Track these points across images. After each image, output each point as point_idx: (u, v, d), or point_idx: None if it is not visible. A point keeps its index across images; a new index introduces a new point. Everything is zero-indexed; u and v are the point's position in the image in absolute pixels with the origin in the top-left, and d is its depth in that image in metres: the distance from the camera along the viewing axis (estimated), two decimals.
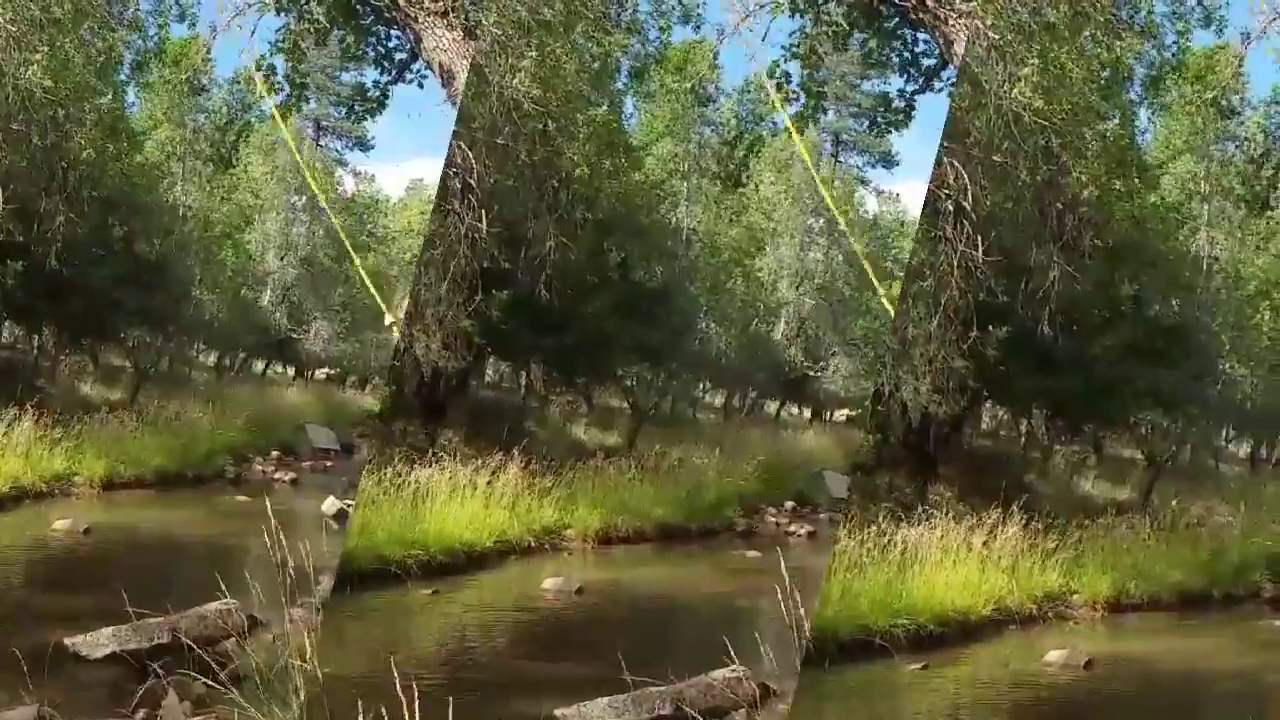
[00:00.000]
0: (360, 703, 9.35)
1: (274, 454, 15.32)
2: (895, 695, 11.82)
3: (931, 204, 12.22)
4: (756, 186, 14.60)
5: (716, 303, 14.45)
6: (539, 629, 12.94)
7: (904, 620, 12.13)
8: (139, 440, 15.25)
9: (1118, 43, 12.49)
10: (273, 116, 15.31)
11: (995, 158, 12.10)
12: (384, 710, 8.95)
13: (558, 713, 11.06)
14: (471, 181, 13.31)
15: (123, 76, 15.31)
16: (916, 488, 12.54)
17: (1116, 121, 12.62)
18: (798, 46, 13.54)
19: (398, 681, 8.93)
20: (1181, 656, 12.15)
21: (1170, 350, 12.71)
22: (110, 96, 15.14)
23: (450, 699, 9.03)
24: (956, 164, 12.10)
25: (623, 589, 13.21)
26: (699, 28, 14.20)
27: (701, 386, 14.65)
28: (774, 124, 14.45)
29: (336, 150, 15.56)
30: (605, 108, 14.03)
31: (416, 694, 8.76)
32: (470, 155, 13.31)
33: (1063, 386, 12.81)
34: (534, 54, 13.36)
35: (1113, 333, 12.64)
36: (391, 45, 14.69)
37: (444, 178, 13.40)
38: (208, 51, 15.31)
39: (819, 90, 13.55)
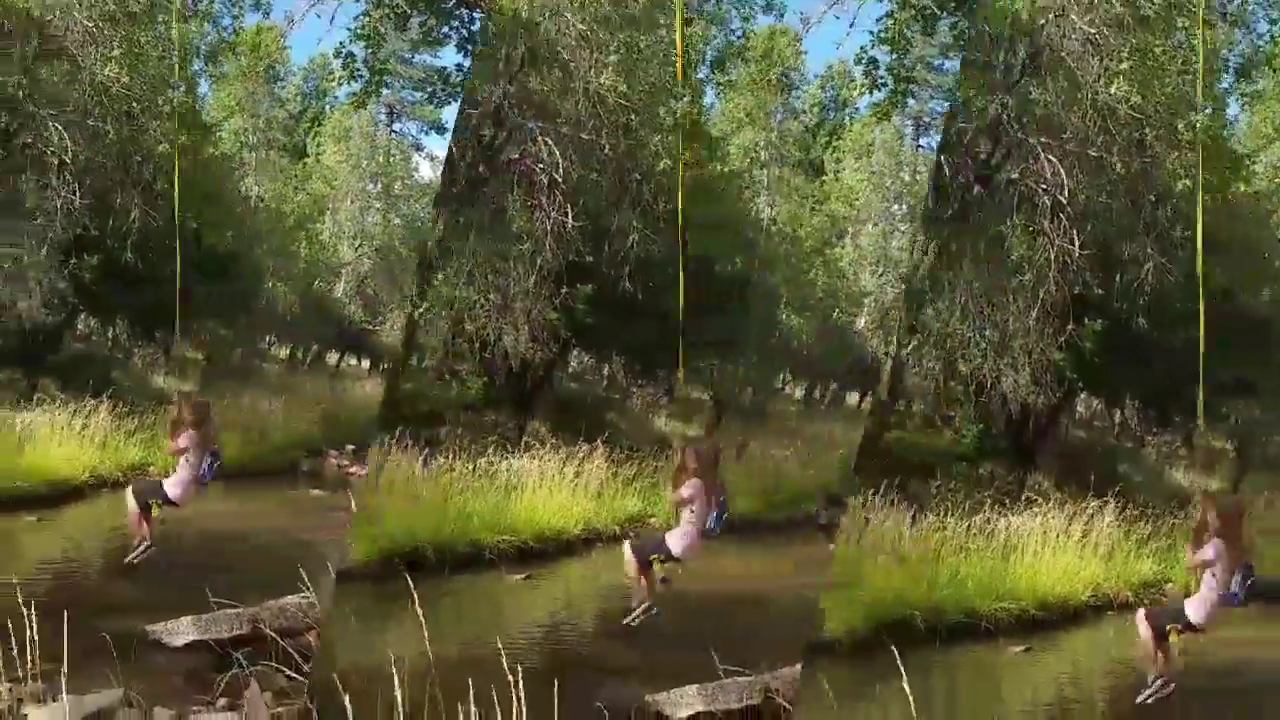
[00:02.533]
0: (466, 684, 9.43)
1: (349, 447, 15.31)
2: (1000, 676, 12.13)
3: (1029, 199, 12.21)
4: (837, 174, 14.59)
5: (797, 293, 14.44)
6: (627, 616, 12.99)
7: (1007, 604, 12.32)
8: None
9: (1209, 32, 12.45)
10: (349, 104, 15.27)
11: (1090, 152, 12.08)
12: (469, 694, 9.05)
13: (649, 699, 11.15)
14: (557, 177, 13.29)
15: (196, 68, 15.24)
16: (1017, 477, 12.58)
17: (1210, 111, 12.58)
18: (885, 31, 13.49)
19: (504, 661, 9.03)
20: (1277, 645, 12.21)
21: (1252, 340, 12.74)
22: (184, 89, 15.07)
23: (555, 681, 9.12)
24: (1053, 159, 12.09)
25: (707, 579, 13.26)
26: (782, 15, 14.16)
27: (782, 378, 14.64)
28: (857, 110, 14.44)
29: (413, 135, 15.54)
30: (687, 99, 13.98)
31: (521, 675, 8.85)
32: (556, 151, 13.29)
33: (1154, 377, 12.81)
34: (620, 49, 13.30)
35: (1204, 325, 12.65)
36: (475, 29, 14.64)
37: (529, 173, 13.39)
38: (283, 39, 15.27)
39: (907, 75, 13.52)
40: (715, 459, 13.14)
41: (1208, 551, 11.78)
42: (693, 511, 12.82)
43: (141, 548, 13.80)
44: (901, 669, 10.80)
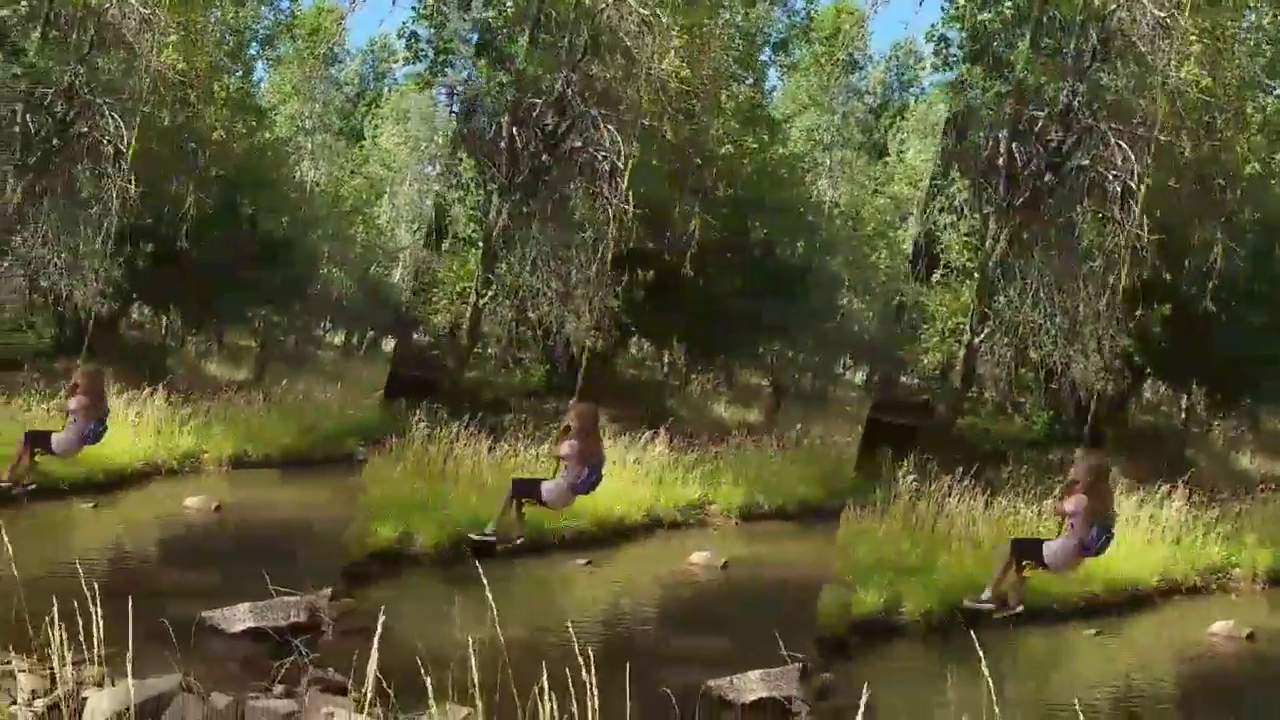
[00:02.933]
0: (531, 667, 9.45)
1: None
2: (1071, 658, 12.16)
3: (1099, 185, 12.19)
4: (901, 156, 14.56)
5: (859, 276, 14.42)
6: (689, 601, 13.03)
7: (1078, 587, 12.31)
8: (266, 420, 15.27)
9: (1275, 14, 12.43)
10: (412, 85, 15.22)
11: (1160, 136, 12.04)
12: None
13: (711, 683, 11.17)
14: (619, 164, 13.27)
15: (252, 52, 15.21)
16: None
17: (1278, 94, 12.55)
18: (955, 8, 13.41)
19: (575, 645, 9.05)
20: None
21: None
22: (240, 74, 15.04)
23: (620, 665, 9.14)
24: (1124, 145, 12.06)
25: (767, 565, 13.27)
26: None
27: (842, 363, 14.63)
28: (922, 90, 14.40)
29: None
30: (750, 83, 13.95)
31: (592, 660, 8.87)
32: (618, 138, 13.27)
33: (1220, 362, 12.81)
34: (683, 35, 13.27)
35: (1267, 308, 12.65)
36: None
37: (592, 161, 13.37)
38: (343, 22, 15.22)
39: (976, 53, 13.45)
40: (595, 420, 13.20)
41: (1069, 504, 11.94)
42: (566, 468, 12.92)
43: (27, 489, 13.87)
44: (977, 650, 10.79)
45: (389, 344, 15.95)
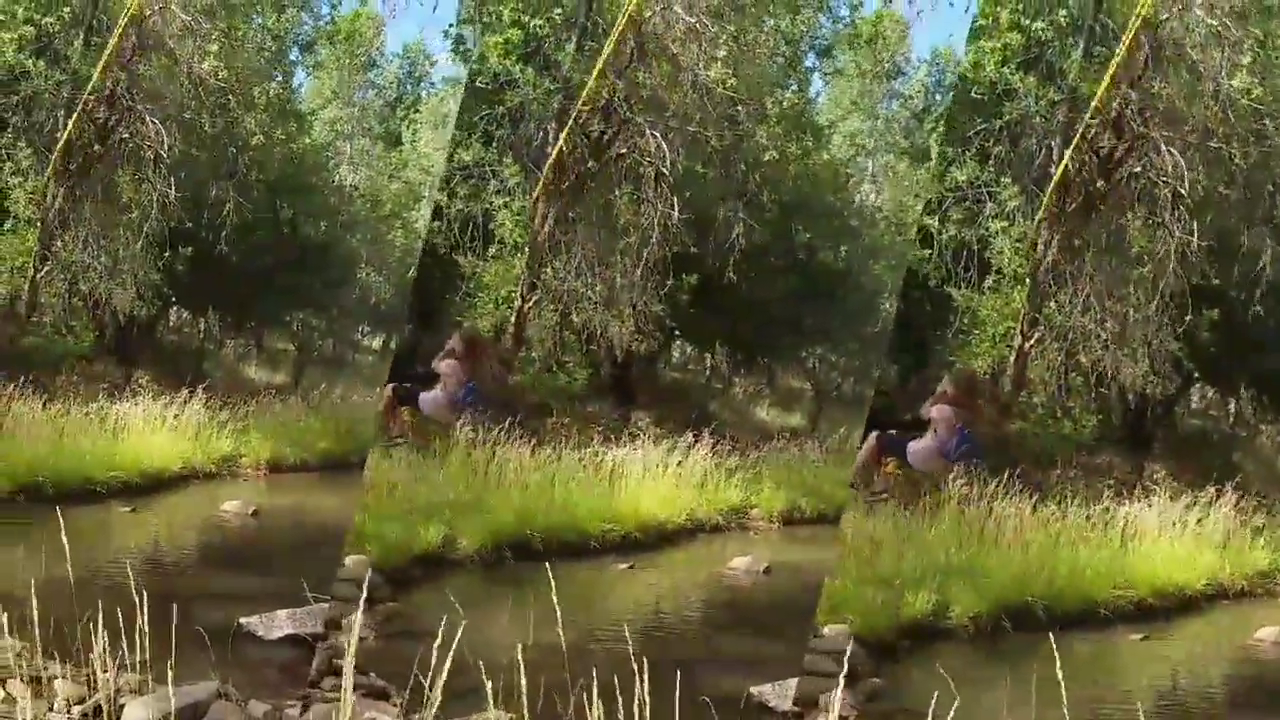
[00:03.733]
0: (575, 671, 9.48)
1: None
2: (1118, 663, 12.13)
3: (1149, 192, 12.24)
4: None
5: (901, 281, 14.44)
6: (731, 607, 13.07)
7: (1125, 592, 12.38)
8: (304, 423, 15.28)
9: None
10: (448, 88, 15.24)
11: (1211, 143, 12.10)
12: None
13: (753, 690, 11.19)
14: (664, 170, 13.31)
15: (292, 57, 15.25)
16: (1134, 466, 12.64)
17: None
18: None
19: (630, 648, 9.07)
20: None
21: None
22: (280, 79, 15.07)
23: (666, 670, 9.17)
24: (1174, 152, 12.11)
25: (809, 570, 13.28)
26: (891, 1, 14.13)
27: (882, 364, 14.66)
28: None
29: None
30: (794, 89, 13.99)
31: (637, 666, 8.90)
32: (664, 144, 13.31)
33: (1269, 366, 12.87)
34: (730, 41, 13.31)
35: None
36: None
37: (637, 167, 13.41)
38: (383, 27, 15.26)
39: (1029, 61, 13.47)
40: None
41: (932, 410, 12.24)
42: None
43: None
44: (1025, 654, 10.85)
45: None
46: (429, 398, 13.77)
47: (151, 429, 14.57)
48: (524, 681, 9.24)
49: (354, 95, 15.24)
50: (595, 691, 8.80)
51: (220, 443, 14.87)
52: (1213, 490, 12.69)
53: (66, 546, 10.20)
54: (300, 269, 15.12)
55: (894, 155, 14.32)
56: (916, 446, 12.36)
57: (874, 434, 12.29)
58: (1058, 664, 8.50)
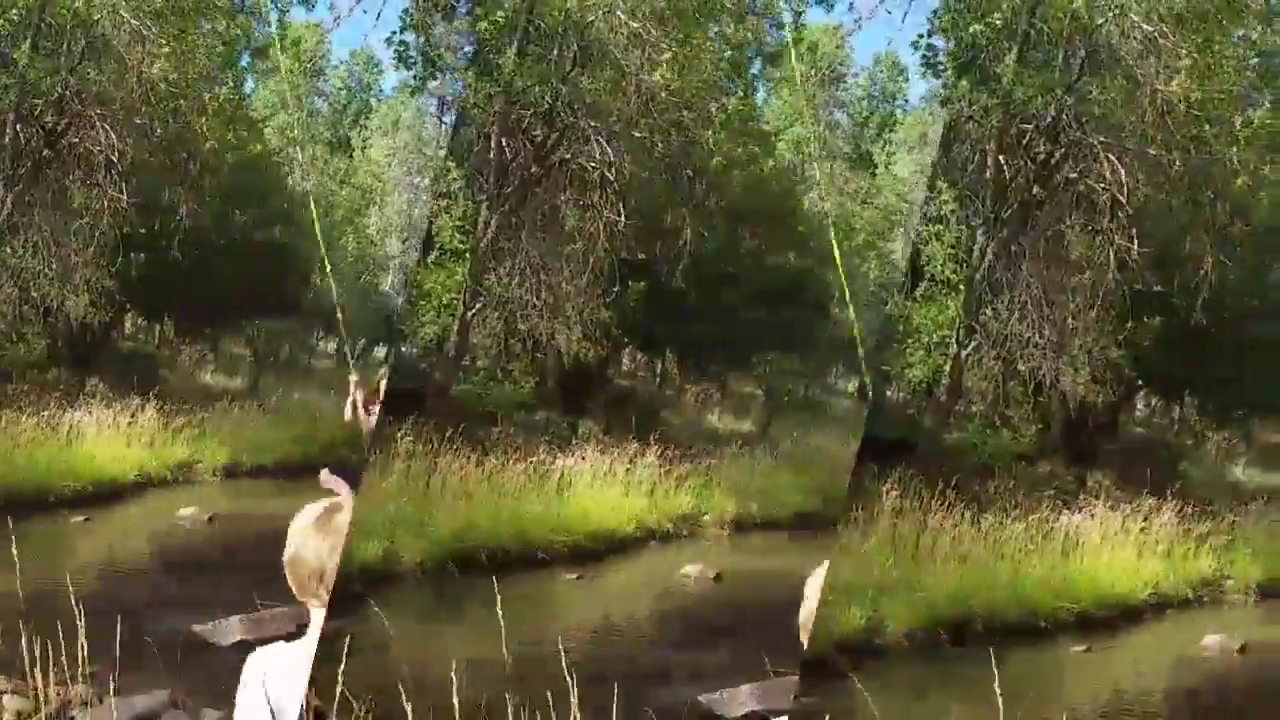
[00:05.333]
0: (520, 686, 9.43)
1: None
2: (1060, 675, 12.09)
3: (1087, 198, 12.17)
4: (889, 167, 14.54)
5: (850, 287, 14.38)
6: (680, 615, 13.02)
7: (1067, 603, 12.30)
8: (261, 429, 15.25)
9: (1267, 27, 12.39)
10: (405, 91, 15.22)
11: (1150, 150, 12.02)
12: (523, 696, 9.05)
13: (702, 698, 11.14)
14: (609, 176, 13.25)
15: (243, 64, 15.21)
16: (1076, 476, 12.56)
17: (1268, 107, 12.51)
18: (940, 19, 13.39)
19: (563, 662, 9.03)
20: None
21: None
22: (231, 85, 15.04)
23: (608, 683, 9.12)
24: (1112, 158, 12.03)
25: (760, 577, 13.25)
26: (832, 7, 14.07)
27: (834, 372, 14.60)
28: (906, 102, 14.38)
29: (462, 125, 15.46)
30: (740, 95, 13.93)
31: (574, 680, 8.85)
32: (608, 150, 13.25)
33: (1213, 373, 12.78)
34: (675, 47, 13.25)
35: (1264, 320, 12.62)
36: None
37: (582, 172, 13.35)
38: (327, 34, 15.22)
39: (963, 65, 13.43)
40: None
41: None
42: None
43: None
44: (964, 670, 10.79)
45: (380, 352, 15.94)
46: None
47: (106, 437, 14.53)
48: (456, 701, 9.21)
49: (304, 101, 15.15)
50: (527, 706, 8.74)
51: (176, 449, 14.82)
52: (1155, 499, 12.57)
53: (16, 558, 10.16)
54: (255, 274, 15.07)
55: (839, 162, 14.22)
56: None
57: None
58: (996, 680, 8.42)
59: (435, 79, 14.99)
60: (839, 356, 14.47)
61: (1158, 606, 12.68)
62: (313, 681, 10.98)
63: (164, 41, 14.42)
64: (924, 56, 13.54)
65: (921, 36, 13.48)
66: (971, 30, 12.57)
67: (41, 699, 10.23)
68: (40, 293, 14.72)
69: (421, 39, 14.57)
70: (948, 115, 12.73)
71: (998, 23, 12.58)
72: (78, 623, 10.27)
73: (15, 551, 11.65)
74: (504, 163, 13.63)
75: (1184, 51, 11.99)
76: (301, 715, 10.09)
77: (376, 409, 14.25)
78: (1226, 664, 12.17)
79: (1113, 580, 12.50)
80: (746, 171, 13.91)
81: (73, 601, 10.96)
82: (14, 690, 10.54)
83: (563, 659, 10.67)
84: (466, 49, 14.76)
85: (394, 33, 14.66)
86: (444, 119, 15.42)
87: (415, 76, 14.87)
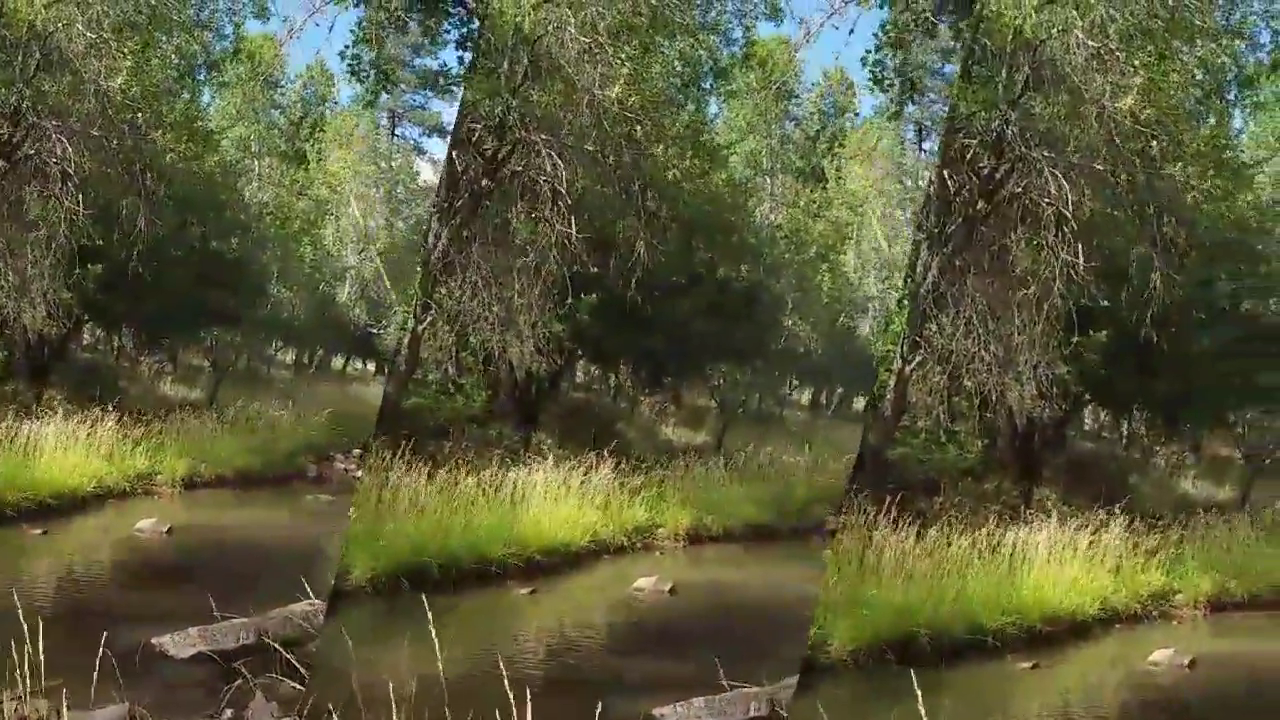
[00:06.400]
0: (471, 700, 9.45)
1: (356, 452, 15.30)
2: (1007, 693, 12.01)
3: (1032, 213, 12.19)
4: (839, 180, 14.55)
5: (803, 299, 14.42)
6: (634, 628, 13.03)
7: (1014, 619, 12.29)
8: (219, 440, 15.27)
9: (1213, 44, 12.42)
10: (358, 105, 15.24)
11: (1096, 165, 12.05)
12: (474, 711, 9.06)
13: (655, 712, 11.16)
14: (561, 189, 13.27)
15: (200, 77, 15.22)
16: (1023, 491, 12.59)
17: (1213, 123, 12.55)
18: (888, 34, 13.44)
19: (507, 678, 9.04)
20: None
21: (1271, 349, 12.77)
22: (188, 97, 15.04)
23: (561, 696, 9.13)
24: (1057, 174, 12.06)
25: (714, 589, 13.28)
26: (781, 23, 14.10)
27: (789, 384, 14.63)
28: (856, 117, 14.41)
29: (414, 139, 15.54)
30: (691, 109, 13.95)
31: (528, 694, 8.86)
32: (560, 163, 13.27)
33: (1161, 387, 12.82)
34: (628, 61, 13.28)
35: (1207, 334, 12.66)
36: (475, 26, 14.61)
37: (534, 185, 13.37)
38: (281, 47, 15.23)
39: (911, 77, 13.48)
40: None
41: None
42: None
43: None
44: (910, 688, 10.79)
45: (338, 362, 15.98)
46: None
47: (64, 448, 14.52)
48: (399, 715, 9.21)
49: (259, 113, 15.16)
50: None
51: (134, 461, 14.82)
52: (1104, 514, 12.60)
53: None
54: (212, 285, 15.10)
55: (790, 175, 14.25)
56: None
57: None
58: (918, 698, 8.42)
59: (387, 93, 15.01)
60: (793, 367, 14.50)
61: (1106, 621, 12.70)
62: (275, 695, 11.06)
63: (123, 55, 14.37)
64: (871, 72, 13.56)
65: (869, 52, 13.51)
66: (915, 49, 12.61)
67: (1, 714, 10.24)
68: None
69: (374, 53, 14.58)
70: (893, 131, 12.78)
71: (947, 39, 12.62)
72: (36, 637, 10.25)
73: None
74: (454, 175, 13.62)
75: (1135, 67, 11.99)
76: None
77: None
78: (1176, 679, 12.17)
79: (1060, 595, 12.53)
80: (698, 184, 13.89)
81: (32, 615, 10.95)
82: None
83: (519, 673, 10.69)
84: (417, 64, 14.81)
85: (347, 46, 14.66)
86: (396, 131, 15.46)
87: (368, 90, 14.87)
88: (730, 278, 14.16)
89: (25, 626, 10.20)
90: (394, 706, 9.25)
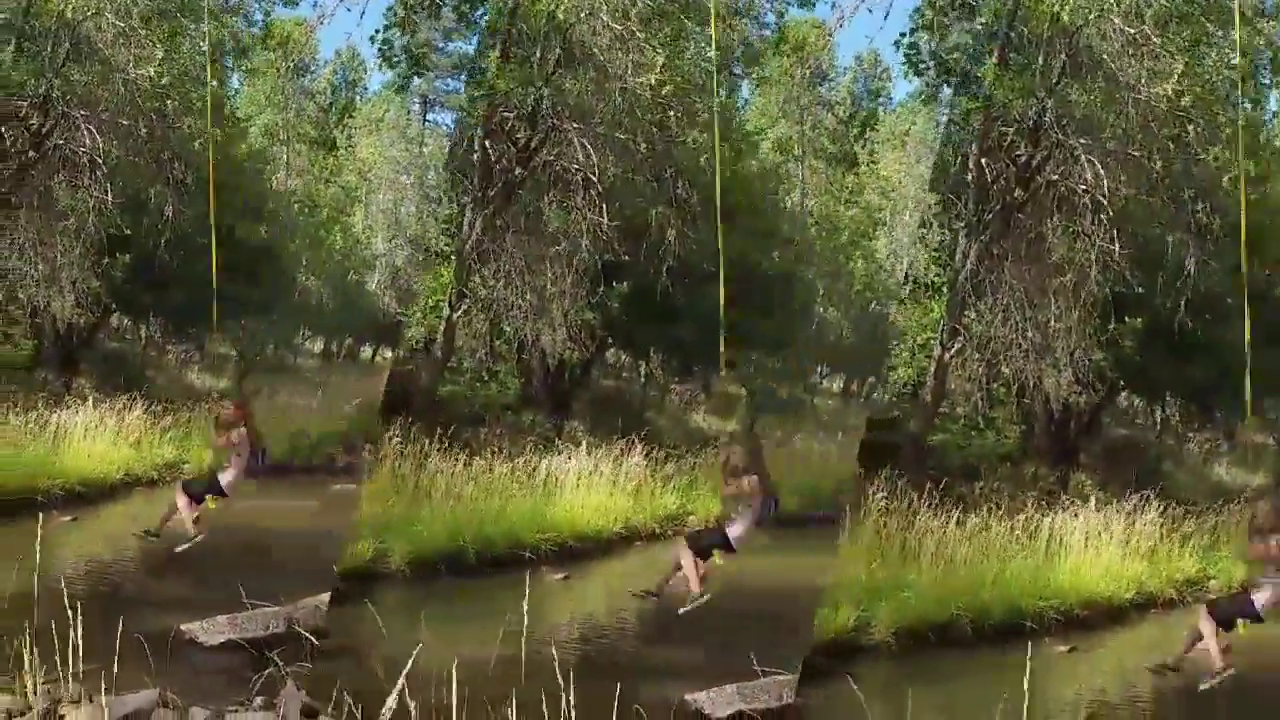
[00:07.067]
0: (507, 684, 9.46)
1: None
2: (1045, 675, 11.90)
3: (1068, 200, 12.19)
4: (872, 166, 14.53)
5: (835, 286, 14.40)
6: (666, 615, 13.00)
7: (1052, 603, 12.38)
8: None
9: (1247, 28, 12.42)
10: (390, 89, 15.22)
11: (1132, 151, 12.04)
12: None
13: (688, 697, 11.18)
14: (593, 177, 13.26)
15: (228, 63, 15.19)
16: (1060, 476, 12.59)
17: (1248, 106, 12.53)
18: (924, 18, 13.41)
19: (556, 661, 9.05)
20: None
21: None
22: (216, 84, 15.02)
23: (594, 681, 9.15)
24: (1094, 160, 12.05)
25: (746, 577, 13.26)
26: (814, 7, 14.07)
27: (820, 371, 14.61)
28: (890, 100, 14.39)
29: (448, 125, 15.52)
30: (723, 95, 13.93)
31: (571, 677, 8.88)
32: (591, 151, 13.26)
33: (1196, 374, 12.81)
34: (657, 48, 13.26)
35: (1241, 321, 12.64)
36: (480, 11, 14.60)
37: (565, 174, 13.36)
38: (313, 32, 15.21)
39: (944, 64, 13.46)
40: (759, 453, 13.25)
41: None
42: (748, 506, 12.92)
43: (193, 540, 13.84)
44: (946, 670, 10.83)
45: (367, 351, 15.96)
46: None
47: (93, 437, 14.52)
48: (454, 697, 9.23)
49: (289, 100, 15.14)
50: (514, 704, 8.76)
51: (162, 449, 14.79)
52: (1139, 499, 12.60)
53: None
54: (240, 274, 15.06)
55: (823, 161, 14.23)
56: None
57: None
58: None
59: (419, 78, 14.99)
60: (823, 356, 14.49)
61: (1141, 606, 12.69)
62: (306, 680, 11.07)
63: (152, 43, 14.36)
64: (906, 56, 13.53)
65: (903, 35, 13.48)
66: (953, 33, 12.58)
67: (32, 697, 10.27)
68: (26, 294, 14.70)
69: (406, 37, 14.56)
70: (929, 117, 12.75)
71: (979, 27, 12.59)
72: (67, 622, 10.28)
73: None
74: (488, 165, 13.61)
75: (1171, 52, 11.97)
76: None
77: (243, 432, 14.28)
78: (1211, 663, 12.18)
79: (1097, 580, 12.53)
80: (730, 171, 13.87)
81: (64, 601, 10.99)
82: (5, 689, 10.58)
83: (555, 657, 10.71)
84: (450, 49, 14.78)
85: (378, 31, 14.64)
86: (428, 118, 15.44)
87: (399, 75, 14.85)
88: (761, 265, 14.09)
89: (58, 611, 10.21)
90: (430, 690, 9.24)
